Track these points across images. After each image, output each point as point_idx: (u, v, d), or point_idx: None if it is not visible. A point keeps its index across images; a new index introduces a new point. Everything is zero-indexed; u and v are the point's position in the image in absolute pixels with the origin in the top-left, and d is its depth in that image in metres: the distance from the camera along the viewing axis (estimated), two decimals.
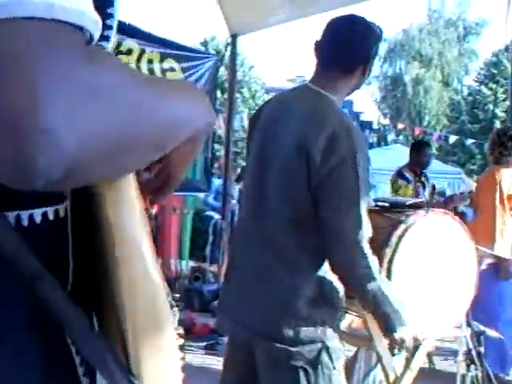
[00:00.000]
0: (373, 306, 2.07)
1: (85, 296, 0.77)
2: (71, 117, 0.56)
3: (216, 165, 13.24)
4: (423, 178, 6.57)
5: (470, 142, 20.11)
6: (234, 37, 6.95)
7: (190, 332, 5.42)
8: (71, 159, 0.57)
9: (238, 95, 31.74)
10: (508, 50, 20.24)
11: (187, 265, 8.01)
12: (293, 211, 2.07)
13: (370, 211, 3.01)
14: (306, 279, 2.07)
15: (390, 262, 2.73)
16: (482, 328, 3.00)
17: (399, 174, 6.50)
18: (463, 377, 3.46)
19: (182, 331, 0.78)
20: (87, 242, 0.77)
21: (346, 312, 2.79)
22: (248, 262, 2.20)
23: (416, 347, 2.85)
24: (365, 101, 50.34)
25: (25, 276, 0.71)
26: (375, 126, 44.49)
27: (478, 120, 27.13)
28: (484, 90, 31.27)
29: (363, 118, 48.61)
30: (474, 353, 3.32)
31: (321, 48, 2.23)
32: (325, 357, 2.06)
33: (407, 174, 6.43)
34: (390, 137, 39.55)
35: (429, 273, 2.86)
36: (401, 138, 40.24)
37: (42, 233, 0.76)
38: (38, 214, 0.75)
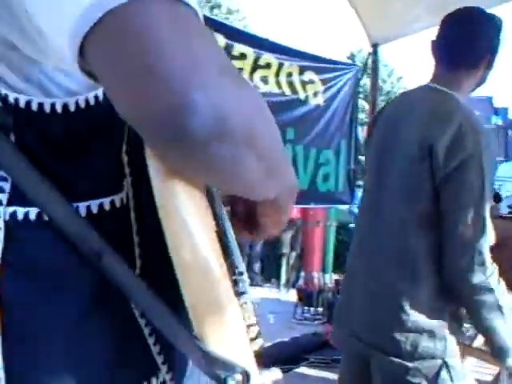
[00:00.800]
0: (485, 323, 1.92)
1: (155, 280, 0.80)
2: (237, 94, 0.63)
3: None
4: None
5: None
6: (374, 46, 6.87)
7: (327, 345, 5.36)
8: (221, 126, 0.61)
9: None
10: None
11: (330, 278, 7.95)
12: (411, 210, 1.99)
13: (501, 218, 2.83)
14: (424, 285, 1.96)
15: None
16: None
17: None
18: None
19: (255, 321, 0.83)
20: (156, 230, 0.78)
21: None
22: (360, 268, 2.13)
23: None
24: None
25: (90, 254, 0.78)
26: None
27: None
28: None
29: None
30: None
31: (439, 46, 2.15)
32: (445, 375, 1.94)
33: None
34: None
35: None
36: None
37: (100, 222, 0.82)
38: (94, 204, 0.83)
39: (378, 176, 2.14)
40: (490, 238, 1.90)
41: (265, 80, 5.21)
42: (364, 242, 2.21)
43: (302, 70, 5.89)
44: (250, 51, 4.98)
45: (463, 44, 2.10)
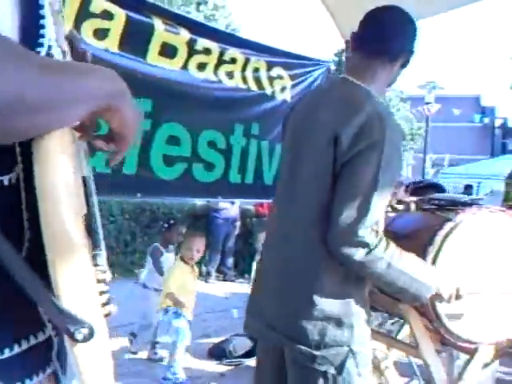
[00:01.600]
0: (388, 284, 1.98)
1: (42, 249, 0.90)
2: None
3: None
4: None
5: None
6: (347, 42, 6.89)
7: None
8: None
9: None
10: None
11: None
12: (318, 198, 2.01)
13: (424, 210, 2.87)
14: (330, 274, 1.98)
15: (434, 261, 2.54)
16: None
17: None
18: None
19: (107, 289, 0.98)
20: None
21: (376, 310, 2.65)
22: (272, 258, 2.14)
23: (469, 358, 2.65)
24: (509, 107, 48.23)
25: None
26: None
27: None
28: None
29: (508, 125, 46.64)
30: None
31: (360, 38, 2.20)
32: (350, 362, 1.95)
33: None
34: None
35: (482, 274, 2.63)
36: None
37: None
38: None
39: (292, 165, 2.15)
40: (374, 221, 1.93)
41: (230, 75, 5.19)
42: (276, 230, 2.22)
43: (269, 66, 5.87)
44: (214, 46, 4.96)
45: (384, 39, 2.16)
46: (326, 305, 1.96)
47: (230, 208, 9.84)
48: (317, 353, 1.95)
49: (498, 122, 45.45)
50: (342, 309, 1.97)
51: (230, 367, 5.00)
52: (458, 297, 2.23)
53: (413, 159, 35.04)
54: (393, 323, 4.27)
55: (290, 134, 2.25)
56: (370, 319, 2.07)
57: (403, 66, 2.23)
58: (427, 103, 25.34)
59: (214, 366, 4.84)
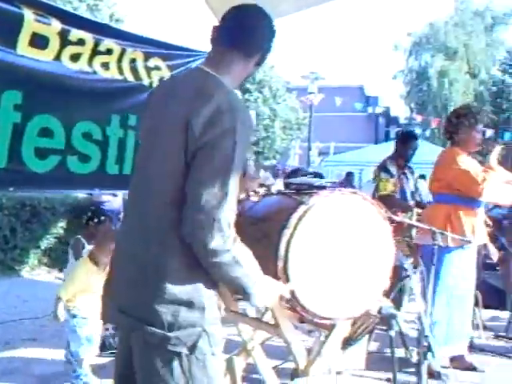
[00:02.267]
0: (228, 278, 2.06)
1: None
2: None
3: None
4: (407, 170, 6.48)
5: (489, 132, 19.78)
6: None
7: None
8: None
9: (259, 95, 31.83)
10: None
11: None
12: (169, 184, 2.06)
13: (279, 194, 2.99)
14: (179, 258, 2.04)
15: (289, 242, 2.68)
16: (393, 311, 2.92)
17: (382, 167, 6.39)
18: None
19: None
20: None
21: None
22: (126, 244, 2.19)
23: (330, 332, 2.81)
24: (391, 96, 49.97)
25: None
26: (402, 121, 44.25)
27: (502, 110, 26.73)
28: (508, 79, 30.84)
29: (391, 113, 48.38)
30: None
31: (220, 32, 2.26)
32: (203, 342, 2.03)
33: (391, 168, 6.32)
34: (418, 131, 39.22)
35: (336, 254, 2.79)
36: (428, 132, 39.94)
37: None
38: None
39: (146, 152, 2.20)
40: (232, 208, 2.00)
41: (106, 66, 5.13)
42: (130, 216, 2.27)
43: (147, 57, 5.84)
44: (88, 37, 4.88)
45: (241, 35, 2.24)
46: (177, 289, 2.01)
47: (113, 200, 9.72)
48: (170, 334, 2.00)
49: (380, 111, 47.05)
50: (192, 292, 2.03)
51: (110, 359, 4.98)
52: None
53: (299, 148, 35.71)
54: None
55: (145, 121, 2.29)
56: (219, 301, 2.14)
57: (259, 62, 2.32)
58: (310, 93, 26.01)
59: (94, 359, 4.80)
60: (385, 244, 3.00)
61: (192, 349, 2.01)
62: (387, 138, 42.49)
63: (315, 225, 2.77)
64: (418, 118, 31.48)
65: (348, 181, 14.45)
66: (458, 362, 5.09)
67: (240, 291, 2.11)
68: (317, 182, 3.27)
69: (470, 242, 4.63)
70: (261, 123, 30.51)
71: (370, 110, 40.81)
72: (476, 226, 4.96)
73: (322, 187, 3.08)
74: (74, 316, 4.49)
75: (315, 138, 30.95)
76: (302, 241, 2.71)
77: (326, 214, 2.81)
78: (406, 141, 6.48)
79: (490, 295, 7.44)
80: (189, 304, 2.02)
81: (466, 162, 4.98)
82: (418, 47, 44.79)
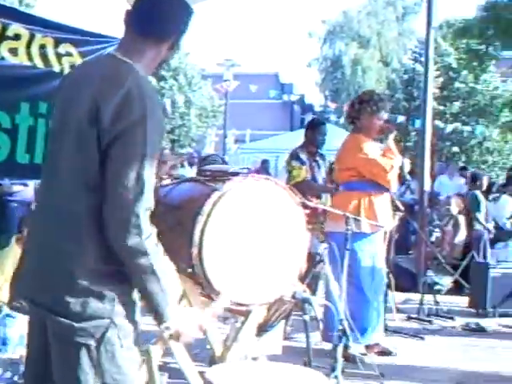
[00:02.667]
0: (141, 286, 2.01)
1: None
2: None
3: None
4: (318, 158, 6.58)
5: (401, 119, 20.35)
6: None
7: None
8: None
9: (174, 82, 31.56)
10: (441, 28, 20.65)
11: None
12: (81, 172, 2.03)
13: (192, 180, 2.99)
14: (91, 248, 2.00)
15: (203, 230, 2.70)
16: (307, 296, 2.99)
17: (294, 155, 6.46)
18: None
19: None
20: None
21: None
22: (38, 234, 2.15)
23: (245, 318, 2.84)
24: (306, 84, 50.57)
25: None
26: (317, 109, 44.85)
27: (413, 97, 27.50)
28: (418, 67, 31.75)
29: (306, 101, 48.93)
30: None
31: (132, 16, 2.21)
32: (112, 334, 2.01)
33: (302, 155, 6.40)
34: (333, 118, 39.85)
35: (250, 239, 2.83)
36: (342, 119, 40.64)
37: None
38: None
39: (58, 140, 2.15)
40: (149, 201, 1.98)
41: (14, 52, 4.97)
42: (41, 203, 2.22)
43: (57, 42, 5.68)
44: None
45: (152, 20, 2.18)
46: (88, 279, 1.97)
47: (25, 190, 9.47)
48: (77, 325, 1.96)
49: (295, 98, 47.57)
50: (103, 283, 2.00)
51: None
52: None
53: (215, 136, 35.67)
54: None
55: (57, 108, 2.24)
56: (133, 292, 2.10)
57: (172, 46, 2.25)
58: (225, 80, 26.01)
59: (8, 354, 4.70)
60: (298, 229, 3.05)
61: (100, 340, 1.98)
62: (302, 126, 42.83)
63: (229, 211, 2.78)
64: (332, 106, 32.02)
65: (264, 168, 14.53)
66: (373, 348, 5.23)
67: (152, 308, 2.03)
68: (231, 168, 3.29)
69: (382, 227, 4.75)
70: (176, 111, 30.27)
71: (285, 97, 41.15)
72: (386, 211, 5.10)
73: (236, 174, 3.09)
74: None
75: (231, 126, 30.93)
76: (216, 227, 2.73)
77: (239, 200, 2.83)
78: (315, 127, 6.57)
79: (403, 278, 7.69)
80: (99, 295, 1.99)
81: (372, 149, 5.09)
82: (332, 35, 45.51)
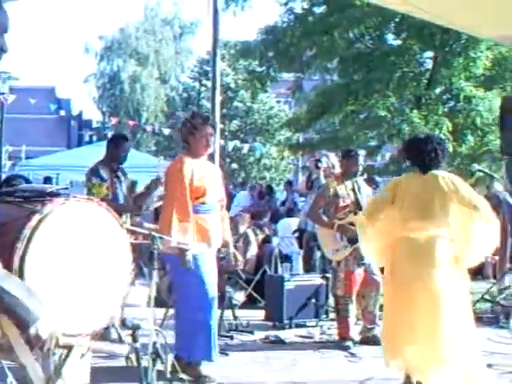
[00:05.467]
0: None
1: None
2: None
3: None
4: (120, 173, 6.40)
5: None
6: None
7: None
8: None
9: None
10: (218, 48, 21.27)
11: None
12: None
13: (4, 202, 2.71)
14: None
15: (23, 258, 2.45)
16: (137, 323, 2.84)
17: (94, 171, 6.21)
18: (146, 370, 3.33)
19: None
20: None
21: None
22: None
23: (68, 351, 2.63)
24: (83, 99, 49.66)
25: None
26: (94, 125, 44.16)
27: None
28: (198, 86, 32.51)
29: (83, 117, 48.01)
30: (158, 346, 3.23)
31: None
32: None
33: (102, 172, 6.18)
34: (110, 134, 39.51)
35: (74, 265, 2.64)
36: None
37: None
38: None
39: None
40: None
41: None
42: None
43: None
44: None
45: None
46: None
47: None
48: None
49: (73, 114, 46.38)
50: None
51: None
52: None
53: None
54: None
55: None
56: None
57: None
58: (2, 93, 24.67)
59: None
60: (121, 250, 2.87)
61: None
62: (80, 142, 42.09)
63: (52, 234, 2.53)
64: (113, 121, 31.66)
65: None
66: (193, 370, 5.03)
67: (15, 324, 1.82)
68: (49, 188, 3.01)
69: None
70: None
71: (62, 112, 40.03)
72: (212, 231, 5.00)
73: (56, 194, 2.83)
74: None
75: (5, 142, 29.34)
76: (38, 253, 2.47)
77: (63, 222, 2.59)
78: (118, 143, 6.39)
79: None
80: None
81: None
82: (110, 51, 45.04)
